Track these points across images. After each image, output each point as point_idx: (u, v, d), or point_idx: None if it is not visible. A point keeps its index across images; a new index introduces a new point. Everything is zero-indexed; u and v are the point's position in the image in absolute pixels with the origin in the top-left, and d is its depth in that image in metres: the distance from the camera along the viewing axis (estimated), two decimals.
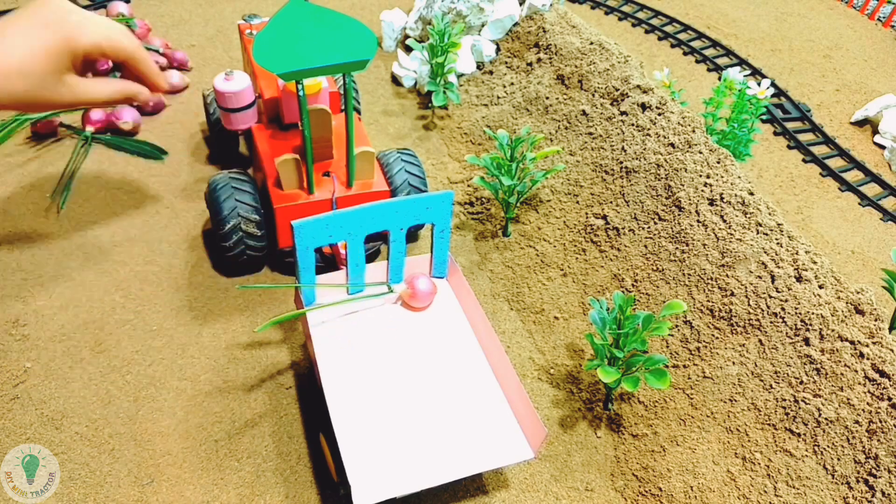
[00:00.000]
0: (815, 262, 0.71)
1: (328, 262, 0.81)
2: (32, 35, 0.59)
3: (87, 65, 0.65)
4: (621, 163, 0.90)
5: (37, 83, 0.59)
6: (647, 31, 1.43)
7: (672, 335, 0.76)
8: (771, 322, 0.70)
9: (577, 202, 0.91)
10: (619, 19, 1.47)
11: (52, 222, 0.89)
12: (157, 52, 1.15)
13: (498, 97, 1.11)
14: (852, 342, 0.65)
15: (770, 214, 0.77)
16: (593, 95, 0.98)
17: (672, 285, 0.78)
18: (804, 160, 1.14)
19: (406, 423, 0.62)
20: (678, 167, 0.84)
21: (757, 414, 0.68)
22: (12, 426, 0.68)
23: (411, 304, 0.72)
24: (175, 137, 1.03)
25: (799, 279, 0.71)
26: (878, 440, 0.61)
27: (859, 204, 1.06)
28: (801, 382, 0.66)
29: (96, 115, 1.01)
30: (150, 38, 1.18)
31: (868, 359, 0.64)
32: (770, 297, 0.71)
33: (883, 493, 0.60)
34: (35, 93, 0.60)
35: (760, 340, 0.70)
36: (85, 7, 1.26)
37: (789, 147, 1.16)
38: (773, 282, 0.72)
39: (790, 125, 1.20)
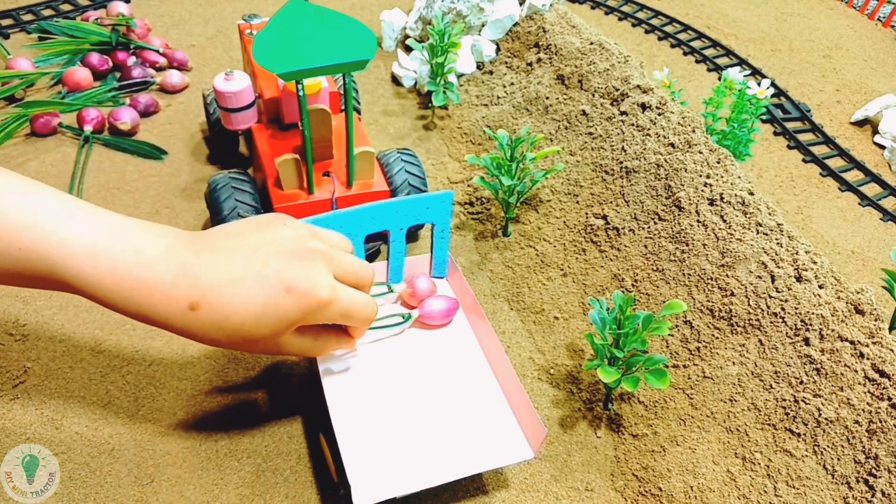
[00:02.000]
0: (815, 262, 0.71)
1: None
2: (269, 300, 0.50)
3: None
4: (621, 163, 0.90)
5: (248, 345, 0.52)
6: (647, 31, 1.43)
7: (672, 335, 0.76)
8: (771, 322, 0.70)
9: (577, 202, 0.91)
10: (619, 19, 1.47)
11: None
12: (157, 52, 1.15)
13: (498, 97, 1.11)
14: (852, 342, 0.65)
15: (770, 214, 0.77)
16: (593, 95, 0.98)
17: (672, 285, 0.78)
18: (804, 160, 1.14)
19: (406, 423, 0.62)
20: (678, 167, 0.84)
21: (757, 414, 0.68)
22: (12, 426, 0.68)
23: (411, 304, 0.72)
24: (175, 137, 1.03)
25: (799, 279, 0.71)
26: (878, 440, 0.61)
27: (859, 204, 1.06)
28: (801, 382, 0.66)
29: (91, 114, 1.01)
30: (150, 38, 1.18)
31: (868, 359, 0.64)
32: (770, 297, 0.71)
33: (883, 493, 0.60)
34: (241, 348, 0.53)
35: (760, 340, 0.70)
36: (85, 7, 1.27)
37: (789, 147, 1.16)
38: (773, 282, 0.72)
39: (790, 125, 1.20)
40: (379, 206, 0.67)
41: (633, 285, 0.81)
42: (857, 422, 0.63)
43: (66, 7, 1.27)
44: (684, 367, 0.74)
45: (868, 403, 0.63)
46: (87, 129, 1.00)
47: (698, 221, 0.79)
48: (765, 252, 0.73)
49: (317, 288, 0.52)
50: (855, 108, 1.25)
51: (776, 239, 0.74)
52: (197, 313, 0.49)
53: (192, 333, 0.51)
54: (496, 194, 0.88)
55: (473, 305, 0.71)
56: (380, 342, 0.69)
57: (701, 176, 0.82)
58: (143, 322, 0.50)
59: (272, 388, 0.74)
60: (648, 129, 0.89)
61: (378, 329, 0.69)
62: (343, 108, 0.83)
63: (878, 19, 1.56)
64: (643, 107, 0.92)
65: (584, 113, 0.98)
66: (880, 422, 0.61)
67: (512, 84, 1.11)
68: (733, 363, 0.71)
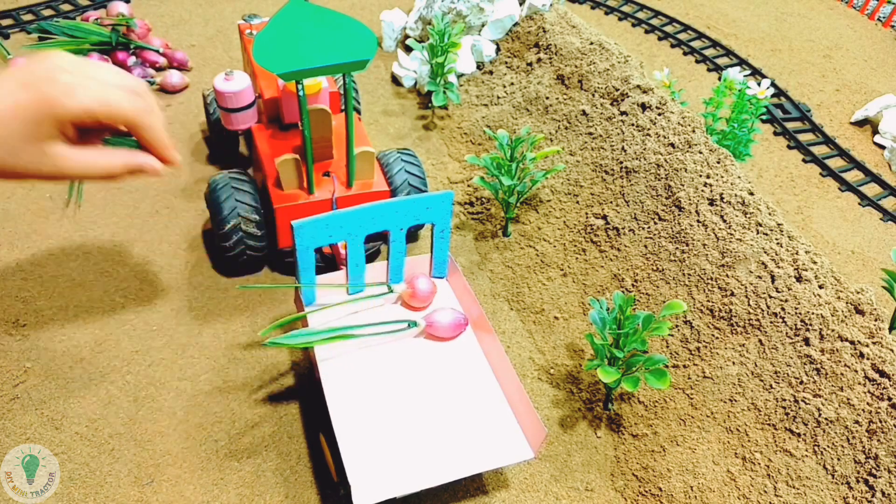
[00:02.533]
0: (815, 262, 0.71)
1: (328, 262, 0.81)
2: (4, 95, 0.49)
3: (87, 132, 0.54)
4: (621, 163, 0.90)
5: (8, 154, 0.49)
6: (647, 31, 1.43)
7: (672, 335, 0.76)
8: (771, 322, 0.70)
9: (577, 202, 0.91)
10: (619, 19, 1.47)
11: (52, 222, 0.89)
12: (157, 52, 1.15)
13: (498, 97, 1.11)
14: (852, 342, 0.65)
15: (770, 214, 0.77)
16: (593, 95, 0.98)
17: (672, 285, 0.78)
18: (804, 160, 1.14)
19: (406, 424, 0.62)
20: (678, 167, 0.84)
21: (757, 414, 0.68)
22: (12, 426, 0.68)
23: (411, 304, 0.72)
24: (175, 137, 1.03)
25: (799, 279, 0.71)
26: (878, 440, 0.61)
27: (859, 204, 1.06)
28: (801, 382, 0.66)
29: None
30: (150, 38, 1.18)
31: (868, 359, 0.64)
32: (770, 297, 0.71)
33: (883, 493, 0.60)
34: (3, 161, 0.49)
35: (760, 340, 0.70)
36: (85, 7, 1.27)
37: (789, 147, 1.16)
38: (773, 282, 0.72)
39: (790, 125, 1.20)
40: (379, 206, 0.67)
41: (633, 285, 0.81)
42: (857, 422, 0.63)
43: (66, 7, 1.27)
44: (684, 367, 0.74)
45: (868, 403, 0.63)
46: None
47: (698, 221, 0.79)
48: (765, 252, 0.73)
49: (57, 72, 0.50)
50: (855, 108, 1.25)
51: (776, 239, 0.74)
52: None
53: None
54: (496, 194, 0.88)
55: (473, 305, 0.71)
56: (380, 343, 0.69)
57: (701, 176, 0.82)
58: None
59: (272, 389, 0.74)
60: (648, 129, 0.89)
61: (381, 335, 0.69)
62: (343, 108, 0.83)
63: (878, 19, 1.56)
64: (643, 107, 0.92)
65: (584, 113, 0.98)
66: (880, 422, 0.61)
67: (512, 84, 1.11)
68: (733, 363, 0.71)
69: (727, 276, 0.75)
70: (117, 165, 0.55)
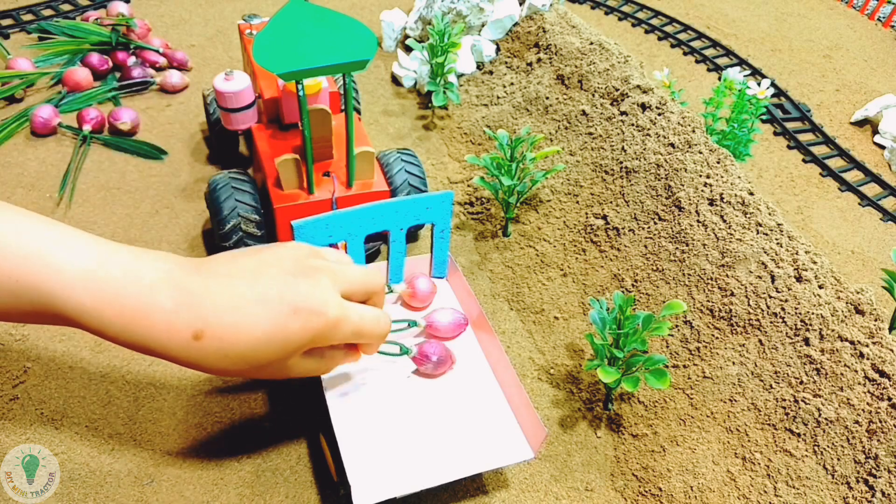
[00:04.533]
0: (815, 262, 0.71)
1: None
2: (275, 318, 0.48)
3: None
4: (621, 163, 0.90)
5: (254, 372, 0.50)
6: (647, 31, 1.43)
7: (672, 335, 0.76)
8: (771, 322, 0.70)
9: (577, 202, 0.91)
10: (619, 19, 1.47)
11: None
12: (157, 52, 1.15)
13: (498, 97, 1.11)
14: (852, 342, 0.65)
15: (770, 214, 0.77)
16: (593, 95, 0.98)
17: (672, 285, 0.78)
18: (804, 160, 1.14)
19: (406, 423, 0.62)
20: (678, 167, 0.84)
21: (757, 414, 0.68)
22: (12, 426, 0.68)
23: (411, 304, 0.72)
24: (175, 137, 1.03)
25: (799, 279, 0.71)
26: (878, 440, 0.61)
27: (859, 204, 1.06)
28: (801, 382, 0.66)
29: (91, 113, 1.01)
30: (149, 38, 1.18)
31: (868, 359, 0.64)
32: (770, 297, 0.71)
33: (883, 493, 0.60)
34: (247, 375, 0.51)
35: (760, 340, 0.70)
36: (85, 7, 1.27)
37: (789, 147, 1.16)
38: (773, 282, 0.72)
39: (790, 125, 1.20)
40: (379, 206, 0.67)
41: (633, 285, 0.81)
42: (857, 422, 0.63)
43: (66, 7, 1.27)
44: (684, 367, 0.74)
45: (868, 403, 0.63)
46: (86, 128, 1.00)
47: (698, 221, 0.79)
48: (765, 252, 0.73)
49: (325, 307, 0.50)
50: (855, 108, 1.25)
51: (776, 239, 0.74)
52: (201, 343, 0.47)
53: (197, 363, 0.48)
54: (496, 194, 0.88)
55: (473, 305, 0.71)
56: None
57: (701, 176, 0.82)
58: (145, 353, 0.48)
59: (272, 389, 0.74)
60: (648, 129, 0.89)
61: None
62: (343, 108, 0.83)
63: (878, 19, 1.56)
64: (643, 107, 0.92)
65: (584, 113, 0.98)
66: (880, 422, 0.61)
67: (512, 84, 1.11)
68: (733, 363, 0.71)
69: (727, 276, 0.75)
70: (326, 367, 0.58)
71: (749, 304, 0.72)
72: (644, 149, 0.88)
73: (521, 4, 1.19)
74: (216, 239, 0.80)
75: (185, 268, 0.49)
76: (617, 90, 0.96)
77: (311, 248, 0.55)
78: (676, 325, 0.76)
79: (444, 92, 1.07)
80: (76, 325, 0.47)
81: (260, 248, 0.54)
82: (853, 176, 1.11)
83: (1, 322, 0.76)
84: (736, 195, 0.78)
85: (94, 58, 1.11)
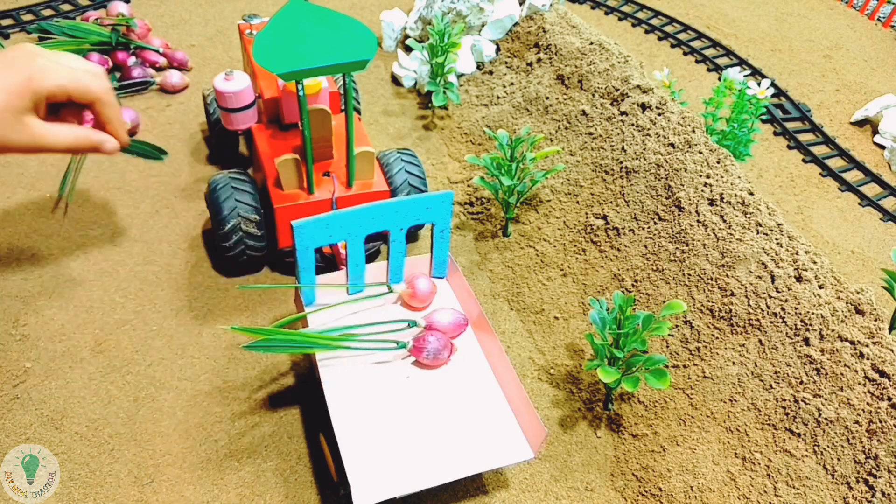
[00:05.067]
0: (815, 262, 0.71)
1: (328, 262, 0.81)
2: None
3: (53, 109, 0.61)
4: (621, 163, 0.90)
5: None
6: (647, 31, 1.43)
7: (672, 335, 0.76)
8: (771, 322, 0.70)
9: (577, 202, 0.91)
10: (619, 19, 1.47)
11: (52, 222, 0.89)
12: (157, 52, 1.15)
13: (498, 97, 1.11)
14: (852, 342, 0.65)
15: (770, 214, 0.77)
16: (593, 95, 0.98)
17: (672, 285, 0.78)
18: (804, 160, 1.14)
19: (406, 423, 0.62)
20: (678, 167, 0.84)
21: (757, 414, 0.68)
22: (12, 426, 0.68)
23: (411, 304, 0.72)
24: (175, 137, 1.03)
25: (799, 279, 0.71)
26: (878, 440, 0.61)
27: (859, 204, 1.06)
28: (801, 382, 0.66)
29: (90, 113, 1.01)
30: (149, 38, 1.18)
31: (868, 359, 0.64)
32: (770, 297, 0.71)
33: (883, 493, 0.60)
34: None
35: (760, 340, 0.70)
36: (85, 7, 1.27)
37: (789, 147, 1.16)
38: (773, 282, 0.72)
39: (790, 125, 1.20)
40: (379, 206, 0.67)
41: (633, 285, 0.81)
42: (857, 422, 0.63)
43: (66, 7, 1.27)
44: (684, 367, 0.74)
45: (868, 403, 0.63)
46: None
47: (698, 221, 0.79)
48: (765, 252, 0.73)
49: (33, 61, 0.56)
50: (855, 108, 1.25)
51: (776, 239, 0.74)
52: None
53: None
54: (496, 194, 0.88)
55: (473, 305, 0.71)
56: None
57: (701, 176, 0.82)
58: None
59: (272, 388, 0.74)
60: (648, 129, 0.89)
61: (382, 335, 0.69)
62: (343, 108, 0.83)
63: (878, 19, 1.56)
64: (643, 107, 0.92)
65: (584, 113, 0.98)
66: (880, 422, 0.61)
67: (512, 84, 1.11)
68: (733, 363, 0.71)
69: (727, 276, 0.75)
70: (79, 137, 0.61)
71: (749, 304, 0.72)
72: (644, 149, 0.88)
73: (521, 4, 1.19)
74: (216, 239, 0.80)
75: None
76: (617, 90, 0.96)
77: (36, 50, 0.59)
78: (676, 325, 0.76)
79: (444, 92, 1.07)
80: None
81: None
82: (853, 176, 1.11)
83: (1, 321, 0.76)
84: (736, 195, 0.78)
85: (94, 58, 1.11)
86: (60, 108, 0.62)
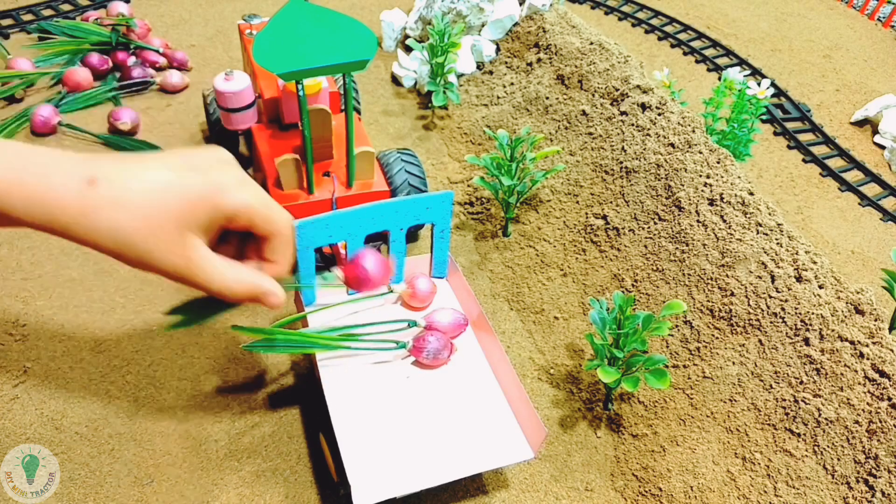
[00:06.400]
0: (815, 262, 0.71)
1: (328, 262, 0.81)
2: (175, 171, 0.45)
3: (223, 236, 0.50)
4: (621, 163, 0.90)
5: (152, 232, 0.44)
6: (647, 31, 1.43)
7: (672, 335, 0.76)
8: (771, 322, 0.70)
9: (577, 202, 0.91)
10: (619, 19, 1.47)
11: None
12: (157, 52, 1.15)
13: (498, 97, 1.11)
14: (852, 342, 0.65)
15: (770, 214, 0.77)
16: (593, 95, 0.98)
17: (672, 285, 0.78)
18: (804, 160, 1.14)
19: (406, 423, 0.62)
20: (678, 167, 0.84)
21: (757, 414, 0.68)
22: (12, 426, 0.68)
23: (411, 304, 0.72)
24: (175, 137, 1.03)
25: (799, 279, 0.71)
26: (878, 440, 0.61)
27: (859, 204, 1.06)
28: (801, 382, 0.66)
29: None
30: (149, 38, 1.18)
31: (868, 359, 0.64)
32: (770, 297, 0.71)
33: (883, 493, 0.60)
34: (145, 243, 0.45)
35: (760, 340, 0.70)
36: (85, 7, 1.27)
37: (789, 147, 1.16)
38: (773, 282, 0.72)
39: (790, 125, 1.20)
40: (379, 206, 0.67)
41: (633, 285, 0.81)
42: (857, 422, 0.63)
43: (66, 7, 1.27)
44: (684, 367, 0.74)
45: (868, 403, 0.63)
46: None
47: (698, 221, 0.79)
48: (765, 252, 0.73)
49: (224, 170, 0.47)
50: (855, 108, 1.25)
51: (776, 239, 0.74)
52: (94, 188, 0.43)
53: (90, 217, 0.43)
54: (496, 194, 0.88)
55: (473, 305, 0.71)
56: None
57: (701, 176, 0.82)
58: (44, 226, 0.43)
59: (272, 388, 0.74)
60: (648, 129, 0.89)
61: (381, 334, 0.69)
62: (343, 108, 0.83)
63: (878, 19, 1.56)
64: (643, 107, 0.92)
65: (584, 113, 0.98)
66: (880, 422, 0.61)
67: (512, 84, 1.11)
68: (733, 363, 0.71)
69: (727, 276, 0.75)
70: (246, 289, 0.50)
71: (749, 304, 0.72)
72: (644, 149, 0.88)
73: (521, 4, 1.19)
74: None
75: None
76: (617, 90, 0.96)
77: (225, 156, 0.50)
78: (676, 325, 0.76)
79: (444, 92, 1.07)
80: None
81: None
82: (853, 176, 1.11)
83: (1, 321, 0.76)
84: (736, 195, 0.78)
85: (94, 58, 1.11)
86: (226, 236, 0.51)
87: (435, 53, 1.05)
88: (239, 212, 0.47)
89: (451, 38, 1.04)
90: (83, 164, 0.44)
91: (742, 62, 1.34)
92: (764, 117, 1.20)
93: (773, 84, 1.23)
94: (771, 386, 0.68)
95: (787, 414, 0.66)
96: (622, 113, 0.94)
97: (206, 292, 0.49)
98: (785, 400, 0.67)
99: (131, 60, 1.14)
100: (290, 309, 0.81)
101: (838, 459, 0.62)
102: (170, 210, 0.45)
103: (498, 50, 1.19)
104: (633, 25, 1.45)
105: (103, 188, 0.43)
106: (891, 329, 0.68)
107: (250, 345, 0.62)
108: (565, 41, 1.08)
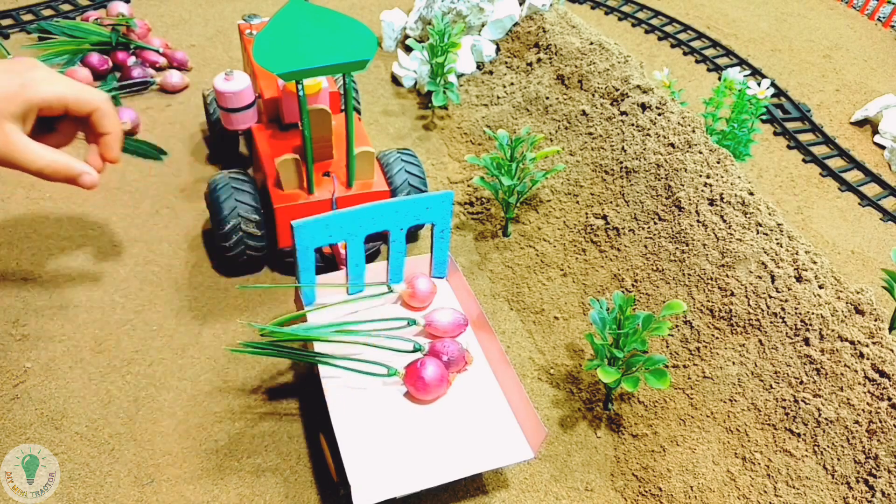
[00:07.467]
0: (815, 262, 0.71)
1: (328, 262, 0.81)
2: None
3: (47, 127, 0.59)
4: (621, 163, 0.90)
5: None
6: (647, 31, 1.43)
7: (672, 335, 0.76)
8: (771, 322, 0.70)
9: (577, 202, 0.91)
10: (619, 19, 1.47)
11: (51, 222, 0.89)
12: (157, 52, 1.15)
13: (498, 97, 1.11)
14: (852, 342, 0.65)
15: (770, 214, 0.77)
16: (593, 95, 0.98)
17: (672, 285, 0.78)
18: (804, 160, 1.14)
19: (406, 423, 0.62)
20: (678, 167, 0.84)
21: (757, 414, 0.68)
22: (12, 426, 0.68)
23: (411, 304, 0.72)
24: (175, 137, 1.03)
25: (799, 279, 0.71)
26: (878, 440, 0.61)
27: (859, 204, 1.06)
28: (801, 382, 0.66)
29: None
30: (149, 38, 1.18)
31: (868, 359, 0.64)
32: (770, 297, 0.71)
33: (883, 493, 0.60)
34: None
35: (760, 340, 0.70)
36: (85, 7, 1.27)
37: (789, 147, 1.16)
38: (773, 282, 0.72)
39: (790, 125, 1.20)
40: (379, 206, 0.67)
41: (633, 285, 0.81)
42: (857, 422, 0.63)
43: (66, 7, 1.27)
44: (684, 367, 0.74)
45: (868, 403, 0.63)
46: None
47: (698, 221, 0.79)
48: (765, 252, 0.73)
49: (33, 70, 0.55)
50: (855, 108, 1.25)
51: (776, 239, 0.74)
52: None
53: None
54: (496, 194, 0.88)
55: (473, 305, 0.71)
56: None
57: (701, 176, 0.82)
58: None
59: (272, 389, 0.74)
60: (648, 129, 0.89)
61: (381, 332, 0.69)
62: (343, 108, 0.83)
63: (878, 19, 1.56)
64: (643, 107, 0.92)
65: (584, 113, 0.98)
66: (880, 422, 0.61)
67: (512, 84, 1.11)
68: (733, 363, 0.71)
69: (727, 276, 0.75)
70: (57, 164, 0.57)
71: (749, 304, 0.72)
72: (644, 149, 0.88)
73: (521, 4, 1.19)
74: (216, 239, 0.80)
75: None
76: (617, 90, 0.96)
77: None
78: (676, 325, 0.76)
79: (444, 92, 1.07)
80: None
81: None
82: (853, 176, 1.11)
83: (1, 321, 0.76)
84: (736, 195, 0.78)
85: (94, 58, 1.11)
86: (55, 124, 0.59)
87: (435, 53, 1.05)
88: (50, 100, 0.55)
89: (451, 38, 1.04)
90: None
91: (742, 62, 1.34)
92: (764, 117, 1.20)
93: (773, 84, 1.23)
94: (771, 386, 0.68)
95: (787, 414, 0.66)
96: (622, 113, 0.94)
97: (26, 172, 0.56)
98: (785, 400, 0.67)
99: (131, 60, 1.14)
100: (290, 309, 0.81)
101: (838, 459, 0.62)
102: None
103: (498, 50, 1.19)
104: (633, 25, 1.45)
105: None
106: (891, 329, 0.68)
107: (241, 347, 0.62)
108: (565, 41, 1.08)
